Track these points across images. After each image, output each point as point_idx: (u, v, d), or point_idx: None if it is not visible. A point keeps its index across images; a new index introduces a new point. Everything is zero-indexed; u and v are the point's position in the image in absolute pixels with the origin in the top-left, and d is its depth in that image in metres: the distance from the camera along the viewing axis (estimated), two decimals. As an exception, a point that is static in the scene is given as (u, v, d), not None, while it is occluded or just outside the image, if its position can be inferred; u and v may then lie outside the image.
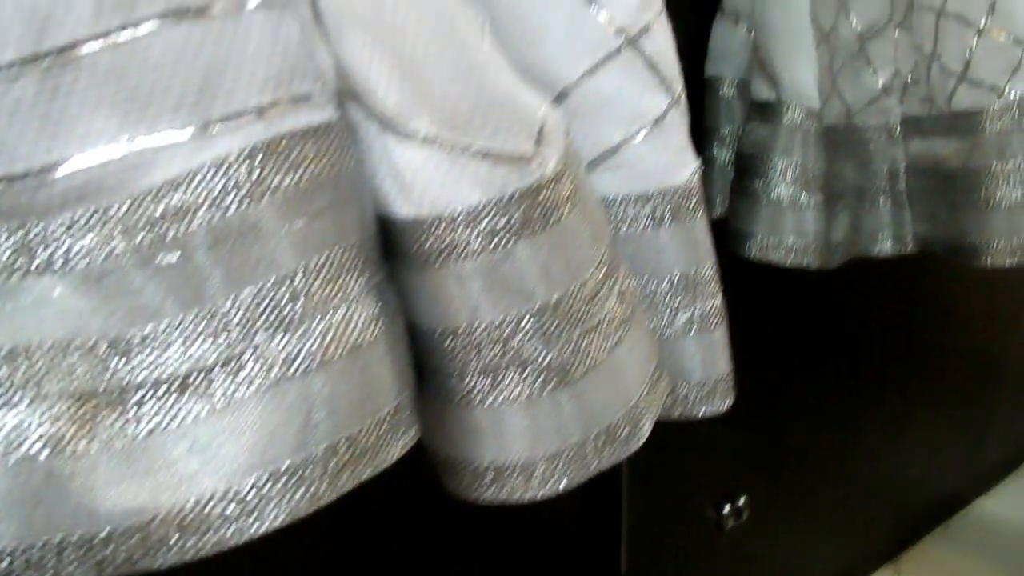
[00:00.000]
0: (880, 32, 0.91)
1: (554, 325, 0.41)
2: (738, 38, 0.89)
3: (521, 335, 0.41)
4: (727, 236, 0.87)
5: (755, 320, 1.08)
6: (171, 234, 0.33)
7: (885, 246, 0.96)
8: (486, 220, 0.39)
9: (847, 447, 1.31)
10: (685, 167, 0.53)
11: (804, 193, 0.82)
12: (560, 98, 0.50)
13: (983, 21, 0.82)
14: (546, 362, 0.42)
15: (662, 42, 0.51)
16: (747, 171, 0.85)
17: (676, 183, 0.52)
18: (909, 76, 0.92)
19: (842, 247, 0.91)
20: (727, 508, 1.10)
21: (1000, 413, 1.59)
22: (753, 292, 1.02)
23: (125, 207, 0.33)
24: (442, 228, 0.39)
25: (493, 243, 0.39)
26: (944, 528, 1.55)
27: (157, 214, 0.33)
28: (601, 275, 0.44)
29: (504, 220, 0.39)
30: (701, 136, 0.91)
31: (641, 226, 0.53)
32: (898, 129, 0.93)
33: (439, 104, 0.37)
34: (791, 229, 0.83)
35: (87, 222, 0.32)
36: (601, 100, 0.50)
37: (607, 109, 0.50)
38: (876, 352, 1.29)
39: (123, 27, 0.32)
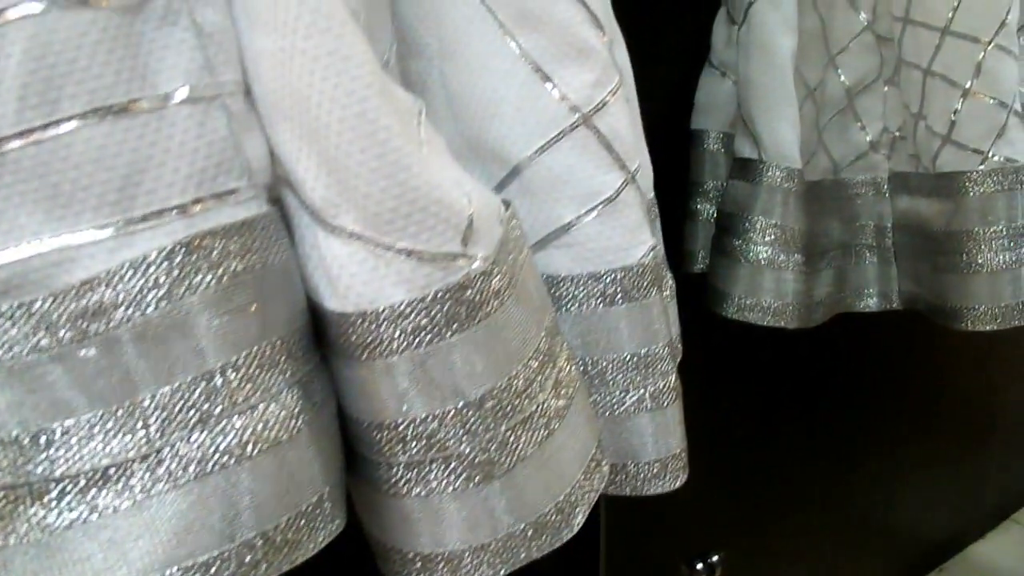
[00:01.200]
0: (869, 87, 0.90)
1: (479, 421, 0.41)
2: (724, 91, 0.88)
3: (445, 431, 0.41)
4: (706, 293, 0.86)
5: (737, 370, 1.08)
6: (92, 330, 0.33)
7: (871, 302, 0.95)
8: (410, 318, 0.39)
9: (838, 496, 1.30)
10: (638, 246, 0.52)
11: (783, 254, 0.81)
12: (513, 174, 0.50)
13: (969, 83, 0.81)
14: (471, 458, 0.41)
15: (618, 120, 0.51)
16: (726, 229, 0.84)
17: (628, 262, 0.52)
18: (897, 132, 0.91)
19: (824, 305, 0.90)
20: (700, 564, 1.09)
21: (995, 458, 1.57)
22: (735, 344, 1.01)
23: (48, 303, 0.33)
24: (366, 324, 0.39)
25: (417, 340, 0.39)
26: (938, 573, 1.54)
27: (79, 310, 0.33)
28: (535, 366, 0.43)
29: (428, 318, 0.39)
30: (686, 188, 0.91)
31: (591, 305, 0.52)
32: (886, 185, 0.92)
33: (362, 202, 0.37)
34: (769, 289, 0.82)
35: (11, 316, 0.32)
36: (553, 178, 0.50)
37: (559, 187, 0.50)
38: (866, 401, 1.28)
39: (46, 125, 0.32)
